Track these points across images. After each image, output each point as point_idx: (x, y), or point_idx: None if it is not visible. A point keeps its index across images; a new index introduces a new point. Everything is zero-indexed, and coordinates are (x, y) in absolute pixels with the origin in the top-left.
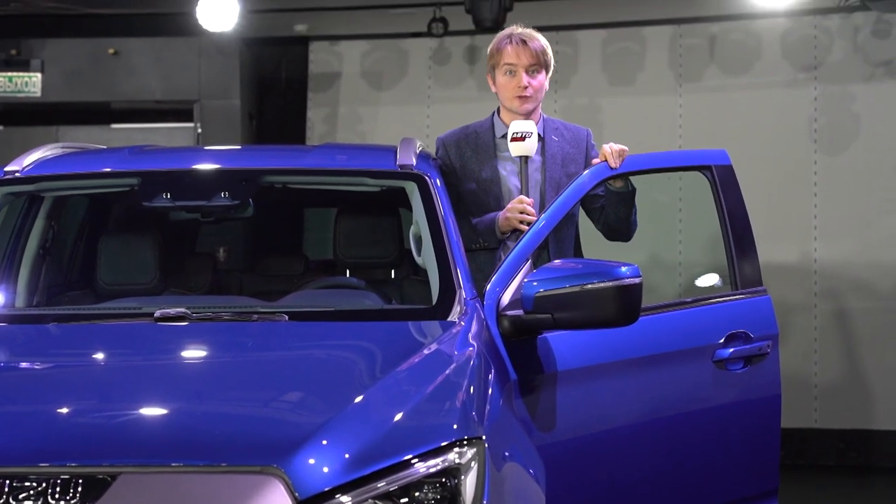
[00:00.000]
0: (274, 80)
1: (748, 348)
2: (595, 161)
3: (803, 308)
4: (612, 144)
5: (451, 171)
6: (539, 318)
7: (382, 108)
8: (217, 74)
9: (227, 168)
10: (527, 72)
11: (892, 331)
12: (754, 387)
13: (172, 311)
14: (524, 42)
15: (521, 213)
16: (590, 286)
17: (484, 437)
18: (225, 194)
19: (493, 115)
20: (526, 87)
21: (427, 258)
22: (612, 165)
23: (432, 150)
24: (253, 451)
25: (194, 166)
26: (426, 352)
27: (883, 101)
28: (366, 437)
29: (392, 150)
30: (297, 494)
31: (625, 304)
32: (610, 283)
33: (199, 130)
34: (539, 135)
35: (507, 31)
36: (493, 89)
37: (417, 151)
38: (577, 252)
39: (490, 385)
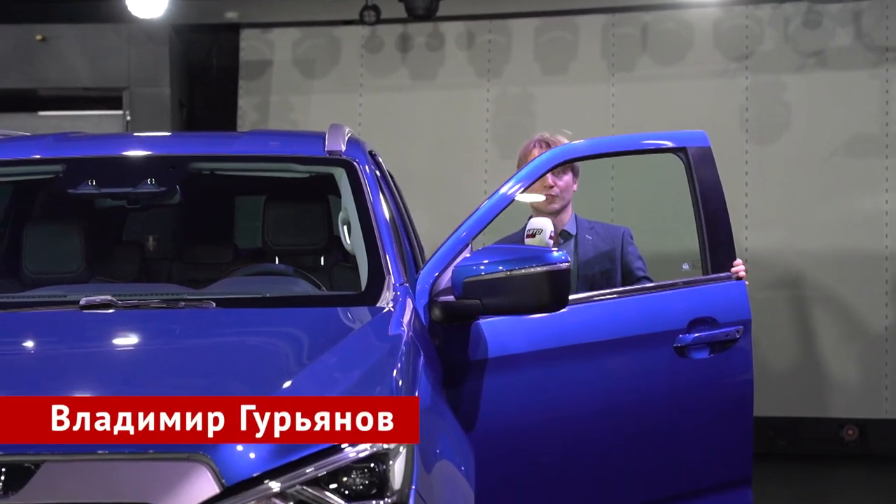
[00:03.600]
0: (204, 67)
1: (713, 334)
2: (640, 273)
3: None
4: (740, 267)
5: None
6: (467, 304)
7: (314, 97)
8: (147, 62)
9: (154, 154)
10: (552, 173)
11: (821, 320)
12: (721, 373)
13: (98, 298)
14: (548, 144)
15: None
16: (518, 271)
17: None
18: (151, 181)
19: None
20: (552, 187)
21: (356, 244)
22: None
23: (364, 138)
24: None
25: (120, 153)
26: (354, 338)
27: (813, 91)
28: None
29: (321, 137)
30: (223, 481)
31: (553, 290)
32: (538, 269)
33: (129, 118)
34: (571, 234)
35: (535, 137)
36: None
37: (346, 137)
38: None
39: (419, 371)
